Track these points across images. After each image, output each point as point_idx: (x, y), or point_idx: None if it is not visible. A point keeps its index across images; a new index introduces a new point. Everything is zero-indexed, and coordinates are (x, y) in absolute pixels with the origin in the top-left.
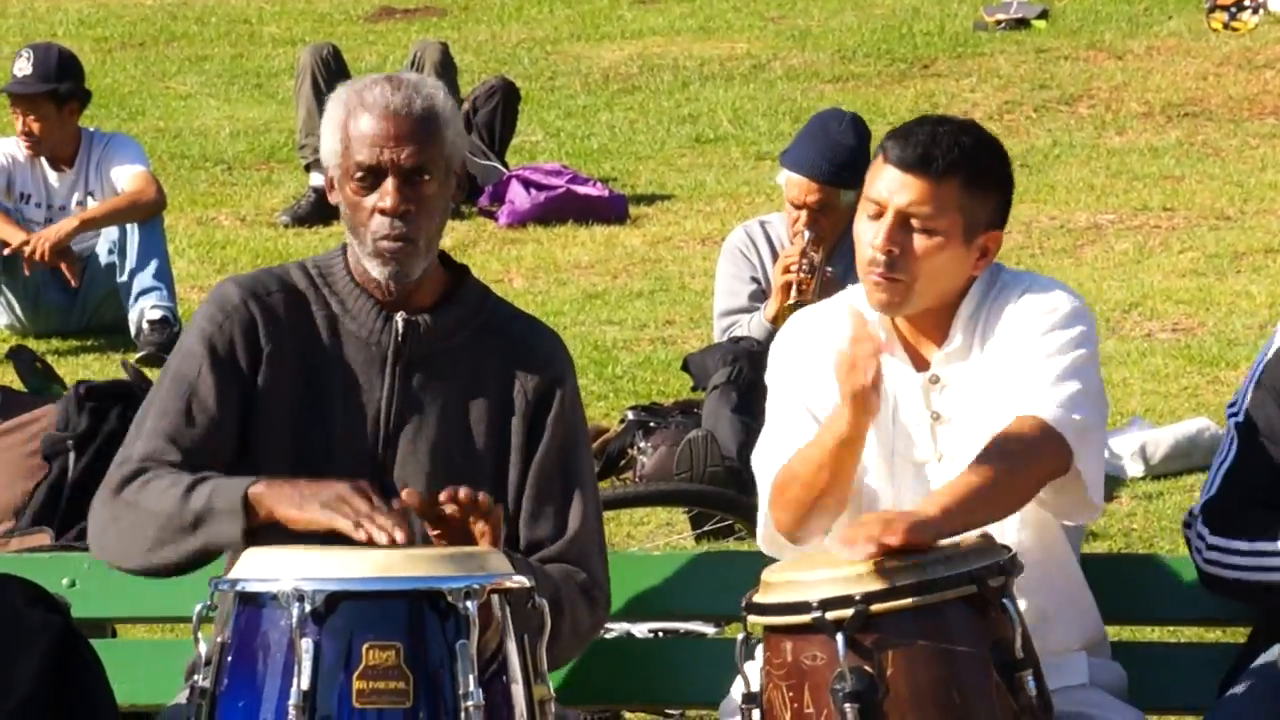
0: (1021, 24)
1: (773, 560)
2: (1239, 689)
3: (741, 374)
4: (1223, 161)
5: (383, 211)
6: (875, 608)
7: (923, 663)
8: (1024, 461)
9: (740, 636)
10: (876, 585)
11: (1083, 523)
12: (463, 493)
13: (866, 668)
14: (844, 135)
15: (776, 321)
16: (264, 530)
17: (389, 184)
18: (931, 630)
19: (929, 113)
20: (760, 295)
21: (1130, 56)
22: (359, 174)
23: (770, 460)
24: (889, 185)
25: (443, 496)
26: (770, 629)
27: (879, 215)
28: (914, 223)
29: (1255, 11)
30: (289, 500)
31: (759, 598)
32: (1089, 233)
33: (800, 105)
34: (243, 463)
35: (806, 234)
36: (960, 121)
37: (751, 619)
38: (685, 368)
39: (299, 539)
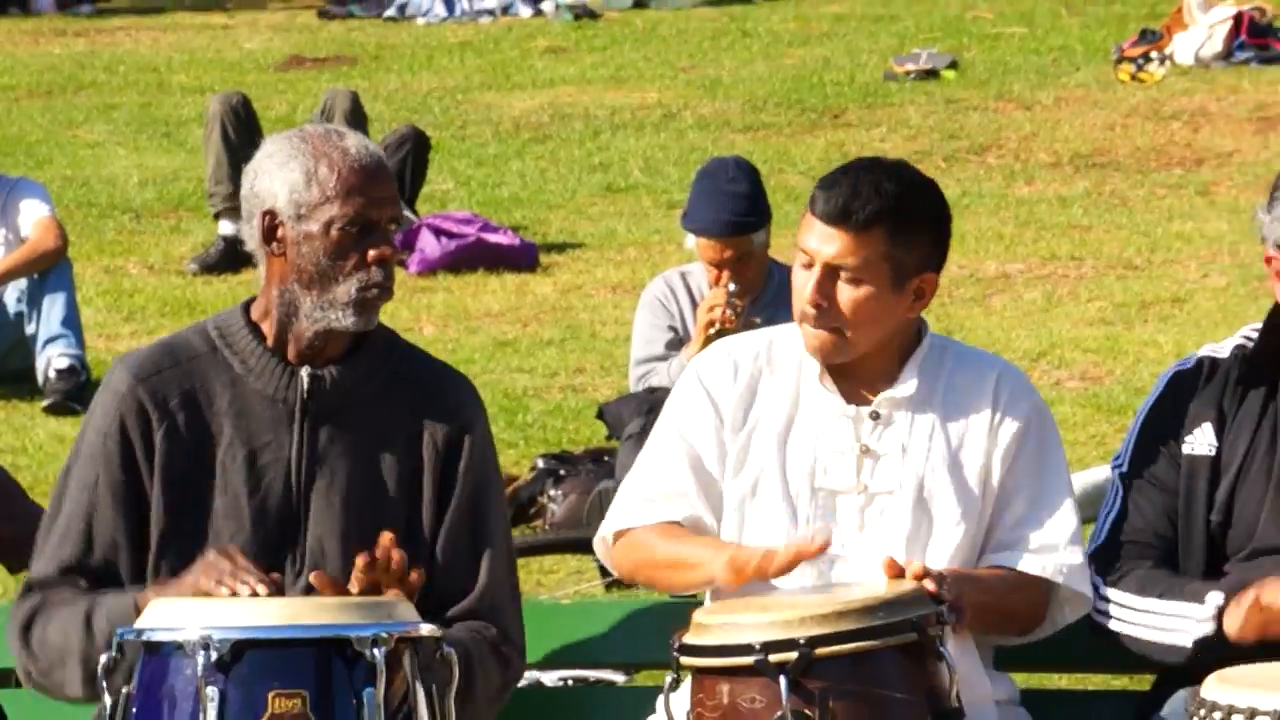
0: (931, 75)
1: (687, 602)
2: None
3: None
4: (1130, 211)
5: (381, 261)
6: (819, 651)
7: (862, 708)
8: (1023, 605)
9: (669, 678)
10: (820, 629)
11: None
12: (381, 544)
13: (808, 711)
14: (736, 184)
15: None
16: None
17: (384, 234)
18: (871, 676)
19: (852, 158)
20: (677, 344)
21: (1039, 107)
22: (347, 224)
23: (633, 489)
24: (815, 237)
25: (359, 563)
26: (703, 671)
27: (809, 266)
28: (841, 274)
29: (1162, 63)
30: (169, 590)
31: (693, 639)
32: (998, 282)
33: (711, 154)
34: (157, 541)
35: (732, 286)
36: (888, 166)
37: (685, 660)
38: (600, 416)
39: None
